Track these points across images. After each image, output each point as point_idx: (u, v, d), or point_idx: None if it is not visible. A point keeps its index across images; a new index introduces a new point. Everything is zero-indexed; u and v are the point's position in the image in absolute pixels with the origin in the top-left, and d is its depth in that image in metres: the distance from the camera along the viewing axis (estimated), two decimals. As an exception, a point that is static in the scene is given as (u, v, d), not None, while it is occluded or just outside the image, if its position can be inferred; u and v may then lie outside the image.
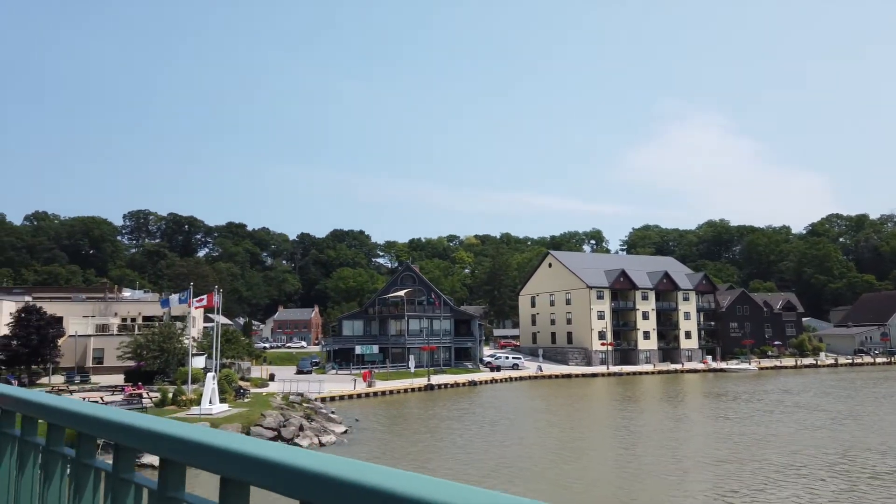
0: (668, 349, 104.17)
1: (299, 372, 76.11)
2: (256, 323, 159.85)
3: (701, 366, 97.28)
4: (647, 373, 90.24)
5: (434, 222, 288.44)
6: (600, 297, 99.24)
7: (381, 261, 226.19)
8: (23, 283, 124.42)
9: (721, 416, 47.37)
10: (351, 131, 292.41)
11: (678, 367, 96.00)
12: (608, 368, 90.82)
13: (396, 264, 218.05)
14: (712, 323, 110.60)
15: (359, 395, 61.67)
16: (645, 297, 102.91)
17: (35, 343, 51.52)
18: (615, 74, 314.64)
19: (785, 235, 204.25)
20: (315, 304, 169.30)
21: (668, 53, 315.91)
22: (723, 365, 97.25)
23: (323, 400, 54.62)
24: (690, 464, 30.34)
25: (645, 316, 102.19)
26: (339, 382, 66.73)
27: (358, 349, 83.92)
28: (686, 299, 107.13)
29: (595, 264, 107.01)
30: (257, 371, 68.43)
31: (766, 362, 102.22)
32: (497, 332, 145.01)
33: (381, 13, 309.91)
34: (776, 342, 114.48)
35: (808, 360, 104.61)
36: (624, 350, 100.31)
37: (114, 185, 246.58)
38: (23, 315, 53.04)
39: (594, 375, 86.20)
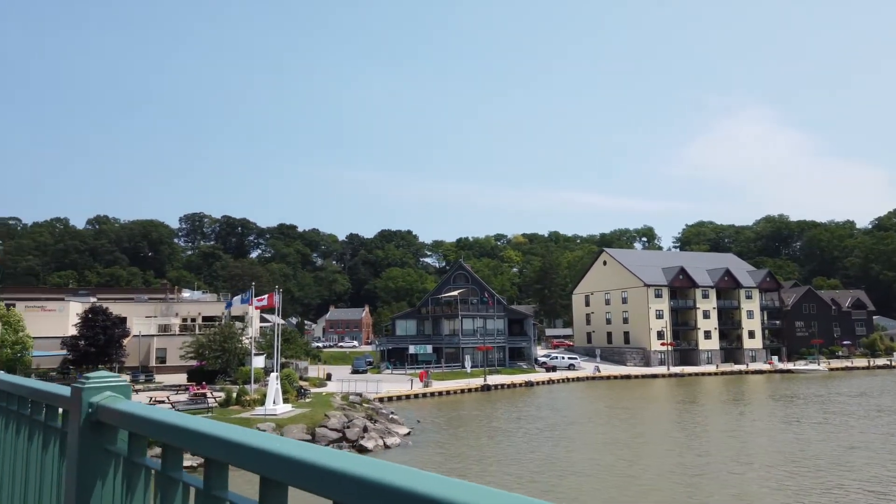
0: (731, 349, 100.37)
1: (354, 371, 76.17)
2: (308, 323, 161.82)
3: (766, 366, 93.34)
4: (709, 374, 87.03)
5: (481, 221, 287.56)
6: (658, 296, 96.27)
7: (428, 260, 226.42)
8: (87, 284, 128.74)
9: (795, 420, 44.75)
10: (396, 132, 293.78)
11: (742, 367, 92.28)
12: (668, 369, 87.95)
13: (444, 264, 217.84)
14: (777, 322, 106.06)
15: (415, 396, 61.10)
16: (705, 296, 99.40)
17: (102, 343, 52.65)
18: (660, 68, 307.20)
19: (849, 230, 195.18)
20: (365, 303, 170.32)
21: (715, 45, 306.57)
22: (790, 366, 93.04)
23: (380, 400, 54.21)
24: (769, 474, 28.42)
25: (706, 315, 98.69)
26: (395, 382, 66.31)
27: (411, 349, 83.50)
28: (749, 297, 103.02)
29: (652, 262, 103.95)
30: (314, 370, 68.64)
31: (835, 363, 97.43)
32: (548, 332, 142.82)
33: (409, 14, 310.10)
34: (845, 342, 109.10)
35: (882, 361, 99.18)
36: (684, 350, 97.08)
37: (170, 189, 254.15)
38: (90, 315, 54.31)
39: (654, 376, 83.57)
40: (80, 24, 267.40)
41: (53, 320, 61.68)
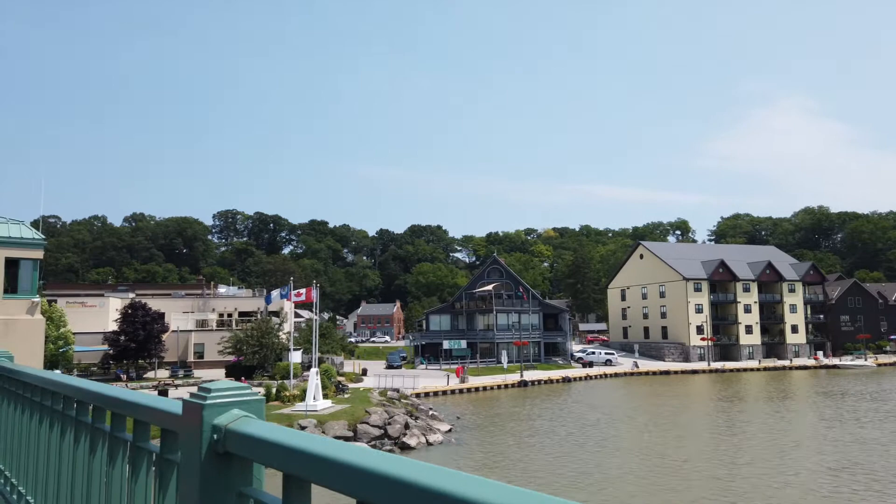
0: (773, 344, 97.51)
1: (389, 367, 75.73)
2: (340, 318, 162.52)
3: (811, 362, 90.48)
4: (751, 369, 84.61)
5: (510, 216, 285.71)
6: (698, 290, 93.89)
7: (458, 255, 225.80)
8: (124, 280, 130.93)
9: (847, 418, 42.79)
10: (425, 128, 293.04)
11: (785, 363, 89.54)
12: (709, 365, 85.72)
13: (474, 259, 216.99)
14: (821, 316, 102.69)
15: (452, 392, 60.37)
16: (746, 289, 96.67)
17: (142, 338, 52.95)
18: (691, 54, 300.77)
19: (892, 222, 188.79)
20: (395, 299, 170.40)
21: (748, 33, 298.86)
22: (835, 361, 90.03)
23: (417, 396, 53.58)
24: (824, 481, 26.90)
25: (747, 309, 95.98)
26: (431, 378, 65.65)
27: (445, 344, 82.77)
28: (792, 291, 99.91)
29: (690, 255, 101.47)
30: (349, 366, 68.36)
31: (883, 358, 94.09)
32: (581, 327, 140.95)
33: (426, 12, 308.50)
34: (893, 336, 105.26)
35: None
36: (724, 345, 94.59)
37: (204, 186, 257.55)
38: (129, 311, 54.68)
39: (694, 372, 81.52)
40: (122, 24, 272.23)
41: (94, 316, 62.42)
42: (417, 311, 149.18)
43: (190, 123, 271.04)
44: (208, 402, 1.66)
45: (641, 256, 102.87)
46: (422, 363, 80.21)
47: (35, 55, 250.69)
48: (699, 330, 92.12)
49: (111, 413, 2.63)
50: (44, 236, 29.12)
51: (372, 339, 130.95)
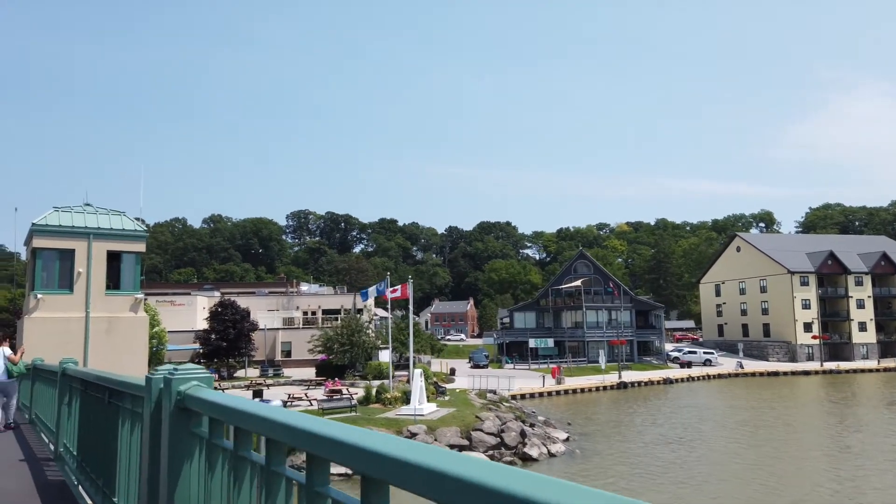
0: (890, 342, 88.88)
1: (475, 366, 72.67)
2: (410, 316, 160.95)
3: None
4: (869, 370, 77.07)
5: (581, 210, 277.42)
6: (804, 284, 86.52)
7: (528, 252, 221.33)
8: (204, 280, 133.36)
9: None
10: (491, 123, 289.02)
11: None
12: (821, 365, 78.62)
13: (545, 255, 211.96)
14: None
15: (548, 394, 56.79)
16: (859, 283, 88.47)
17: (232, 337, 51.82)
18: (761, 38, 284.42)
19: None
20: (467, 296, 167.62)
21: (827, 16, 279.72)
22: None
23: (513, 397, 50.33)
24: None
25: (860, 304, 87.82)
26: (525, 378, 62.20)
27: (531, 342, 79.09)
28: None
29: (794, 246, 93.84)
30: (436, 365, 65.77)
31: None
32: (666, 325, 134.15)
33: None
34: None
35: None
36: (835, 344, 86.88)
37: (278, 187, 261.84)
38: (219, 309, 53.73)
39: (806, 373, 74.78)
40: (202, 34, 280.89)
41: (182, 314, 62.13)
42: (491, 309, 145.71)
43: (260, 126, 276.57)
44: (176, 376, 2.84)
45: (738, 249, 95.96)
46: (508, 362, 76.80)
47: (129, 65, 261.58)
48: (807, 327, 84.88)
49: (109, 390, 4.74)
50: (145, 228, 27.52)
51: (447, 338, 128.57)
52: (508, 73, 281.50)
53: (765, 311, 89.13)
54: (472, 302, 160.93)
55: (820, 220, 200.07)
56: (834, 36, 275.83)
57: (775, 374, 74.28)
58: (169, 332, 54.28)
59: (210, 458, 2.54)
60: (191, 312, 62.98)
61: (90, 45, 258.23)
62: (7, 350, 13.28)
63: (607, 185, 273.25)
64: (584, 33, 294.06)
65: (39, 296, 24.22)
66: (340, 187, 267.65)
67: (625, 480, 26.17)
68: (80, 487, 6.22)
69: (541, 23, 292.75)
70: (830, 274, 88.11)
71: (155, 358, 49.17)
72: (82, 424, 6.58)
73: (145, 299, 28.56)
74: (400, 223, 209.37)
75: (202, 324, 58.35)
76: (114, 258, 25.86)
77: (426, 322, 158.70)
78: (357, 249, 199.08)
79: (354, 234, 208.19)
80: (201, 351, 53.71)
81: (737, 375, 72.52)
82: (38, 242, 24.46)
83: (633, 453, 31.76)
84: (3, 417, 12.49)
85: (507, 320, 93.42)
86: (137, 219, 29.16)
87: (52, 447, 8.88)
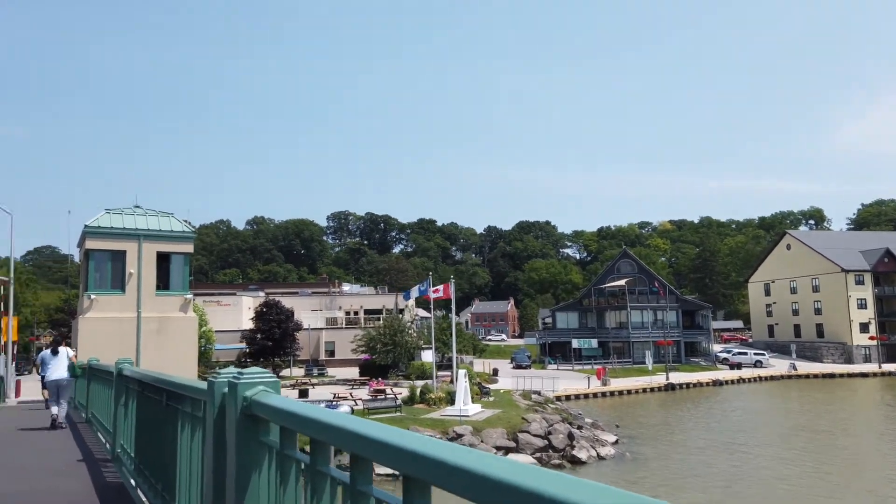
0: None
1: (517, 366, 71.93)
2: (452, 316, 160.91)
3: None
4: (932, 373, 73.54)
5: (622, 209, 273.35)
6: (860, 283, 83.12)
7: (568, 251, 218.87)
8: (248, 281, 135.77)
9: None
10: (528, 123, 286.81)
11: (973, 365, 77.26)
12: (880, 367, 75.40)
13: (585, 254, 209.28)
14: None
15: (594, 395, 55.78)
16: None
17: (277, 336, 52.39)
18: (807, 30, 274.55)
19: None
20: (507, 296, 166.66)
21: (879, 9, 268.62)
22: None
23: (557, 399, 49.54)
24: None
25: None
26: (570, 379, 61.26)
27: (574, 343, 77.95)
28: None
29: (847, 244, 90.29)
30: (478, 365, 65.31)
31: None
32: (713, 326, 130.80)
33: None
34: None
35: None
36: (893, 345, 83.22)
37: (319, 189, 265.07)
38: (264, 309, 54.39)
39: (864, 375, 71.78)
40: (242, 37, 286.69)
41: (228, 314, 63.16)
42: (532, 309, 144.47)
43: (299, 129, 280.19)
44: (241, 381, 2.69)
45: (788, 247, 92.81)
46: (551, 363, 75.80)
47: (169, 70, 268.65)
48: (863, 328, 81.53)
49: (167, 392, 4.68)
50: (193, 228, 27.91)
51: (488, 338, 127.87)
52: (552, 71, 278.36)
53: (818, 311, 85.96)
54: (512, 302, 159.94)
55: (873, 217, 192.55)
56: (888, 30, 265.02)
57: (831, 375, 71.51)
58: (216, 331, 55.31)
59: (283, 470, 2.38)
60: (236, 312, 63.98)
61: (149, 51, 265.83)
62: (70, 350, 13.71)
63: (649, 183, 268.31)
64: (630, 31, 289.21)
65: (93, 296, 24.71)
66: (379, 188, 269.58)
67: (679, 486, 25.29)
68: (138, 490, 6.12)
69: (583, 20, 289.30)
70: (887, 272, 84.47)
71: (203, 357, 50.09)
72: (139, 426, 6.51)
73: (193, 299, 28.89)
74: (439, 223, 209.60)
75: (248, 324, 59.17)
76: (163, 259, 26.27)
77: (466, 322, 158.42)
78: (396, 250, 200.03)
79: (394, 234, 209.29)
80: (248, 350, 54.44)
81: (790, 377, 70.05)
82: (90, 244, 24.96)
83: (686, 458, 30.76)
84: (60, 415, 12.66)
85: (548, 320, 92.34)
86: (185, 220, 29.56)
87: (108, 447, 8.86)
